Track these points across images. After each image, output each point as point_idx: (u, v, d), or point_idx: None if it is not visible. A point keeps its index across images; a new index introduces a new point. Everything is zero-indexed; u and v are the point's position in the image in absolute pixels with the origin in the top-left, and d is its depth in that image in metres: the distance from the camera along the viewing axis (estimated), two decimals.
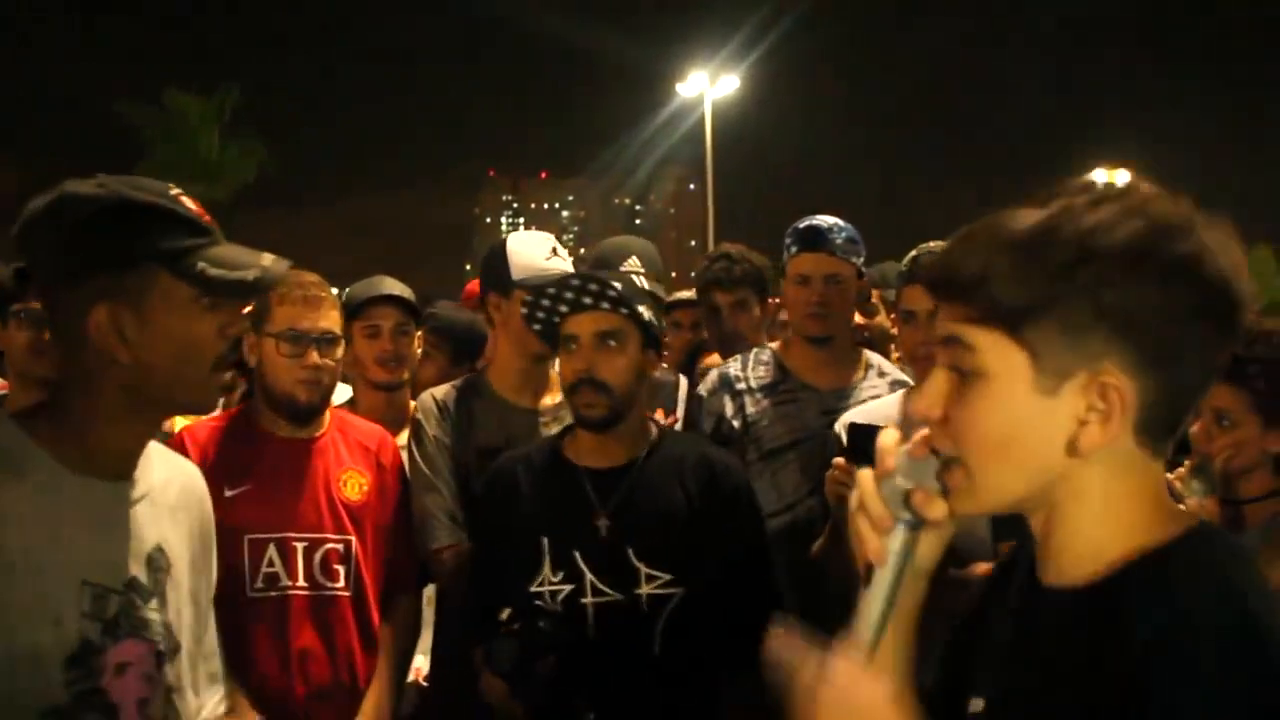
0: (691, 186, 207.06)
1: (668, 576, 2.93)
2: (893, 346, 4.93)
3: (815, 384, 3.90)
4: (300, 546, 3.24)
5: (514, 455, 3.25)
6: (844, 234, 3.88)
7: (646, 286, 4.07)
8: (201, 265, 1.94)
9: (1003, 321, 1.33)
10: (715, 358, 4.81)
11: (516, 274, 3.70)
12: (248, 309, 2.97)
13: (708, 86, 36.57)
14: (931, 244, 3.78)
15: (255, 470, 3.25)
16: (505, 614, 2.82)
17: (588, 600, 2.92)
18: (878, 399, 3.79)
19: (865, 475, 1.45)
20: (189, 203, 2.02)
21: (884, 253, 5.40)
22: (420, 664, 3.72)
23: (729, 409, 3.90)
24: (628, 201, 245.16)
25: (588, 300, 2.94)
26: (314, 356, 3.29)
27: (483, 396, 3.66)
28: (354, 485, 3.38)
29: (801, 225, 3.94)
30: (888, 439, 1.46)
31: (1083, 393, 1.31)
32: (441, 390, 3.77)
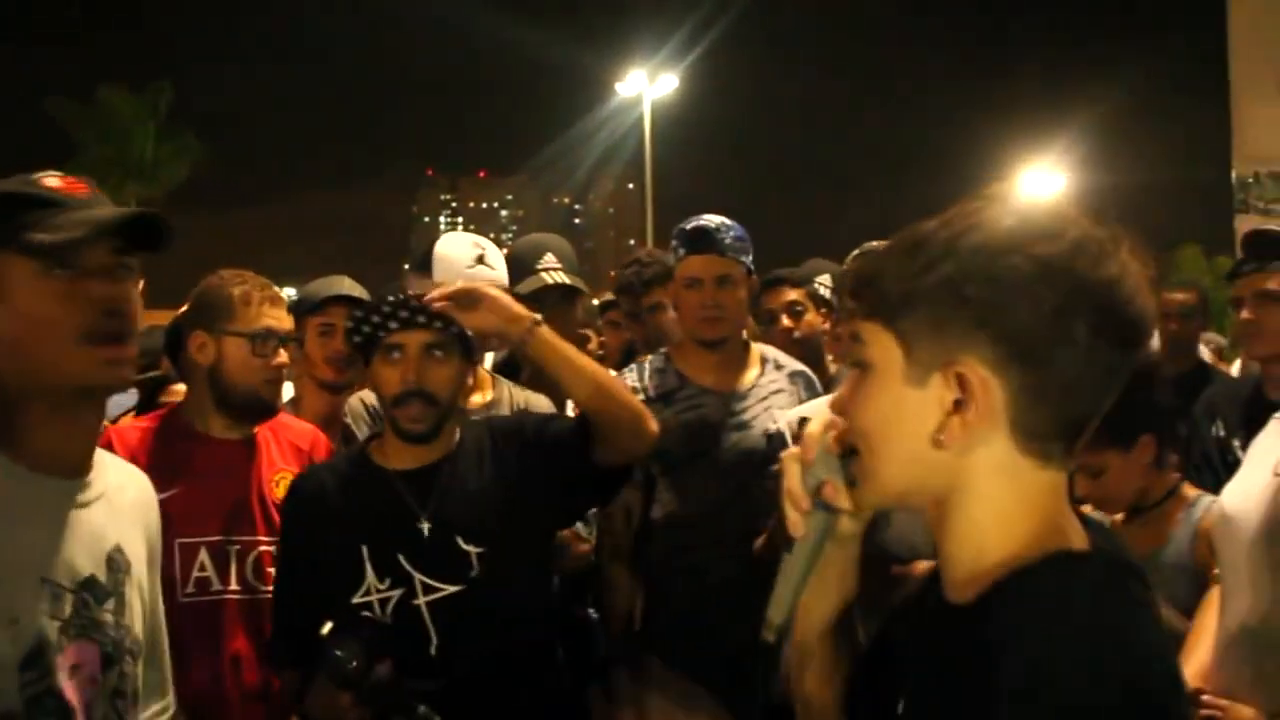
0: (631, 186, 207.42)
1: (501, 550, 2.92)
2: (827, 343, 4.98)
3: (714, 387, 3.84)
4: (233, 550, 3.19)
5: (319, 467, 3.22)
6: (732, 233, 3.83)
7: (565, 280, 4.07)
8: (33, 235, 1.86)
9: (882, 315, 1.38)
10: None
11: (437, 277, 3.69)
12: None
13: (646, 86, 36.62)
14: (874, 243, 3.79)
15: (186, 472, 3.17)
16: (327, 629, 2.71)
17: (420, 601, 2.87)
18: (781, 393, 3.82)
19: (790, 458, 1.53)
20: (52, 181, 1.94)
21: (827, 254, 5.39)
22: None
23: None
24: (567, 201, 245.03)
25: (421, 319, 2.91)
26: (281, 356, 3.28)
27: None
28: (285, 486, 3.30)
29: (688, 227, 3.88)
30: (813, 428, 1.52)
31: (947, 385, 1.33)
32: (371, 393, 3.75)
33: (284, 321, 3.33)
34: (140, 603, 2.07)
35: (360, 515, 2.96)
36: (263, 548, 3.24)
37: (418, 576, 2.88)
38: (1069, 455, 1.38)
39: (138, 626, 2.05)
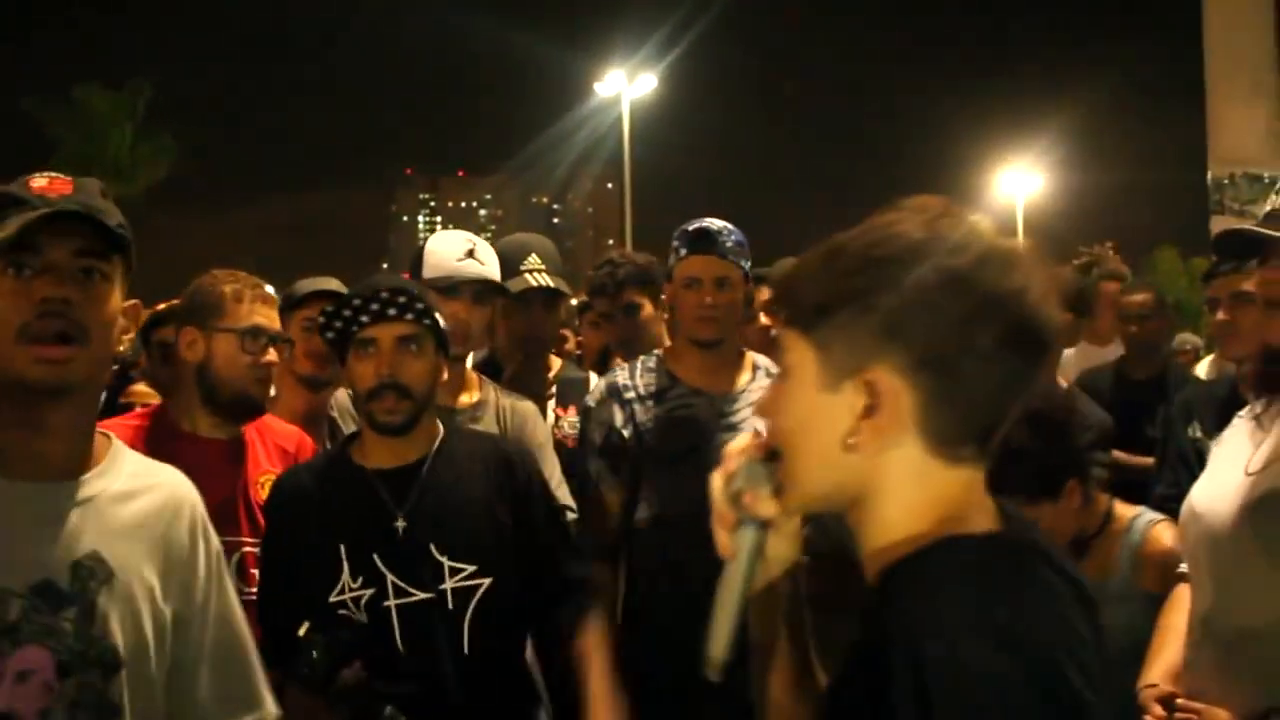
0: (610, 186, 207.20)
1: (472, 568, 2.93)
2: None
3: (704, 389, 3.82)
4: None
5: (299, 466, 3.23)
6: (733, 237, 3.82)
7: (549, 283, 4.07)
8: None
9: (799, 322, 1.43)
10: (620, 360, 4.83)
11: (427, 273, 3.69)
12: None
13: (625, 86, 36.58)
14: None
15: None
16: (304, 628, 2.74)
17: (391, 603, 2.88)
18: None
19: (715, 478, 1.56)
20: (38, 182, 1.97)
21: (797, 249, 5.41)
22: None
23: (618, 418, 3.79)
24: (546, 201, 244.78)
25: (392, 312, 2.91)
26: (272, 355, 3.29)
27: None
28: (270, 487, 3.32)
29: (690, 228, 3.87)
30: (736, 443, 1.56)
31: (857, 390, 1.38)
32: None
33: (274, 321, 3.33)
34: (129, 614, 2.01)
35: (338, 513, 2.96)
36: (247, 548, 3.23)
37: (390, 577, 2.89)
38: (981, 454, 1.42)
39: (117, 638, 1.98)
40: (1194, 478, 3.73)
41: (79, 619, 1.94)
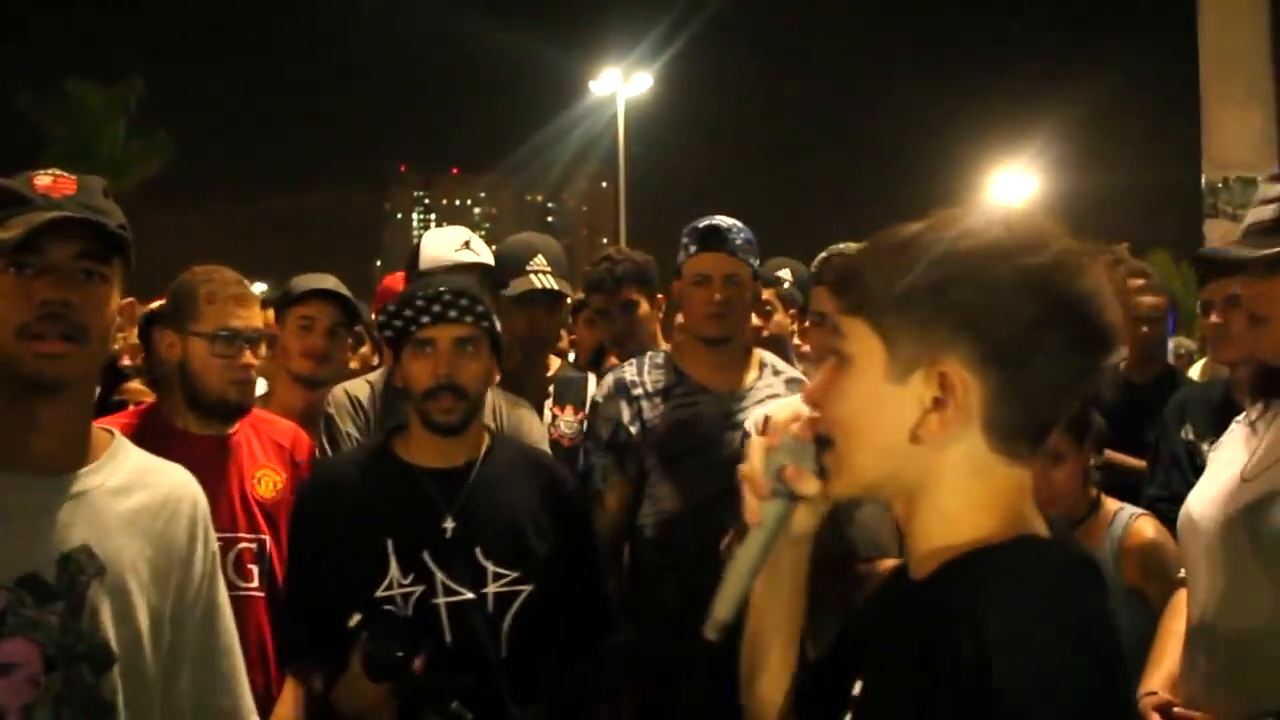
0: (604, 185, 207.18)
1: (514, 574, 2.97)
2: (793, 344, 5.00)
3: (712, 386, 3.85)
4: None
5: (336, 459, 3.26)
6: (742, 235, 3.86)
7: (554, 286, 4.08)
8: None
9: (866, 311, 1.44)
10: (614, 358, 4.83)
11: (424, 265, 3.71)
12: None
13: (621, 85, 36.59)
14: (841, 245, 3.81)
15: None
16: (355, 620, 2.77)
17: (439, 600, 2.91)
18: (776, 398, 3.80)
19: (756, 443, 1.59)
20: (42, 180, 1.99)
21: (802, 254, 5.39)
22: None
23: (625, 414, 3.83)
24: (540, 199, 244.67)
25: (453, 314, 2.94)
26: (247, 356, 3.26)
27: (399, 392, 3.63)
28: (268, 483, 3.35)
29: (700, 225, 3.90)
30: (780, 414, 1.59)
31: (927, 383, 1.39)
32: (355, 385, 3.76)
33: (252, 320, 3.30)
34: (122, 609, 2.01)
35: (385, 508, 2.98)
36: (243, 544, 3.25)
37: (439, 576, 2.92)
38: (1034, 454, 1.44)
39: (109, 634, 1.98)
40: (1186, 479, 3.75)
41: (66, 613, 1.93)
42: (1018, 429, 1.41)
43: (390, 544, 2.93)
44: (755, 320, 4.81)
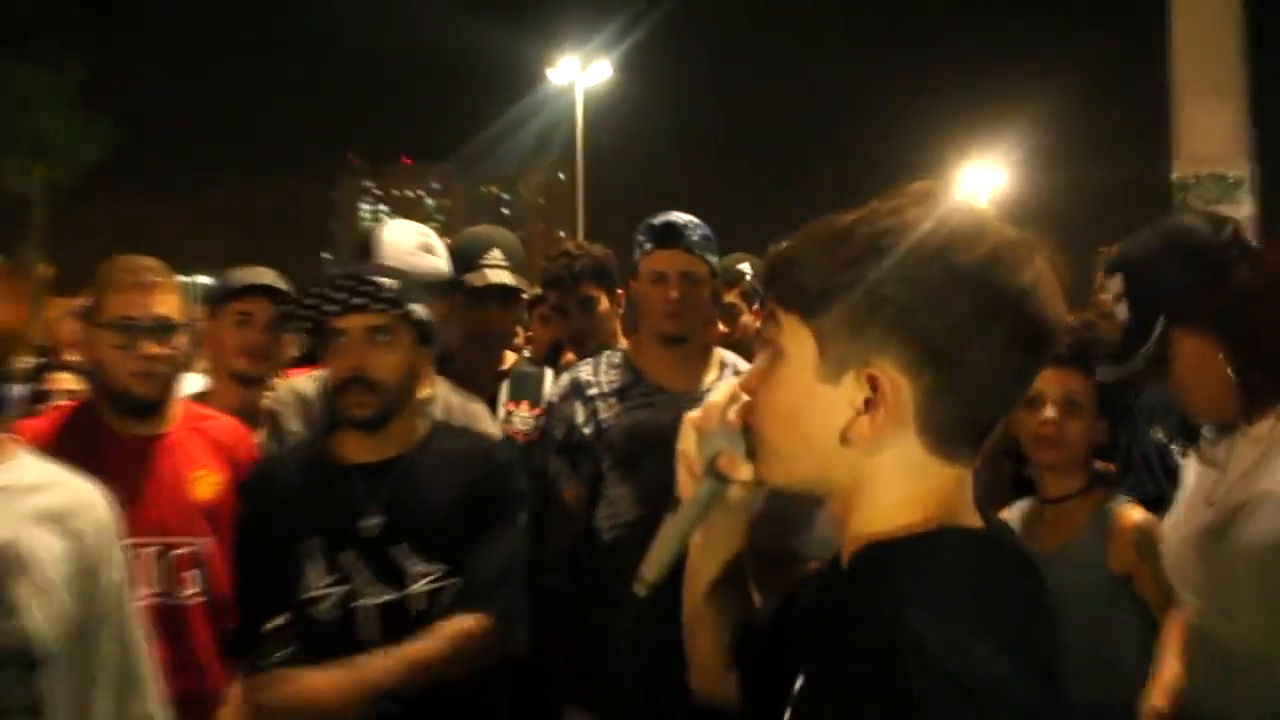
0: (562, 176, 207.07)
1: (441, 569, 2.93)
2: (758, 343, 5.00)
3: (670, 386, 3.84)
4: (147, 551, 3.14)
5: (273, 455, 3.22)
6: (699, 231, 3.85)
7: (509, 281, 4.06)
8: None
9: (799, 306, 1.43)
10: (571, 355, 4.83)
11: (385, 261, 3.68)
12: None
13: (579, 73, 36.59)
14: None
15: (96, 470, 3.07)
16: (277, 623, 2.76)
17: (360, 603, 2.89)
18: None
19: (689, 424, 1.64)
20: None
21: (756, 243, 5.40)
22: None
23: (580, 415, 3.82)
24: (495, 190, 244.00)
25: (358, 302, 2.90)
26: (148, 346, 3.20)
27: None
28: (207, 484, 3.30)
29: (656, 221, 3.89)
30: (716, 397, 1.61)
31: (859, 384, 1.38)
32: (303, 381, 3.72)
33: (154, 308, 3.22)
34: (48, 605, 2.00)
35: (313, 506, 2.96)
36: (180, 550, 3.20)
37: (360, 575, 2.89)
38: (975, 453, 1.43)
39: (35, 631, 1.98)
40: (1157, 482, 3.79)
41: None
42: (955, 431, 1.40)
43: (314, 544, 2.90)
44: (721, 326, 4.81)
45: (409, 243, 3.74)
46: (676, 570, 1.66)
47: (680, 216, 3.87)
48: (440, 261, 3.74)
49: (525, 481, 3.32)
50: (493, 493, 3.10)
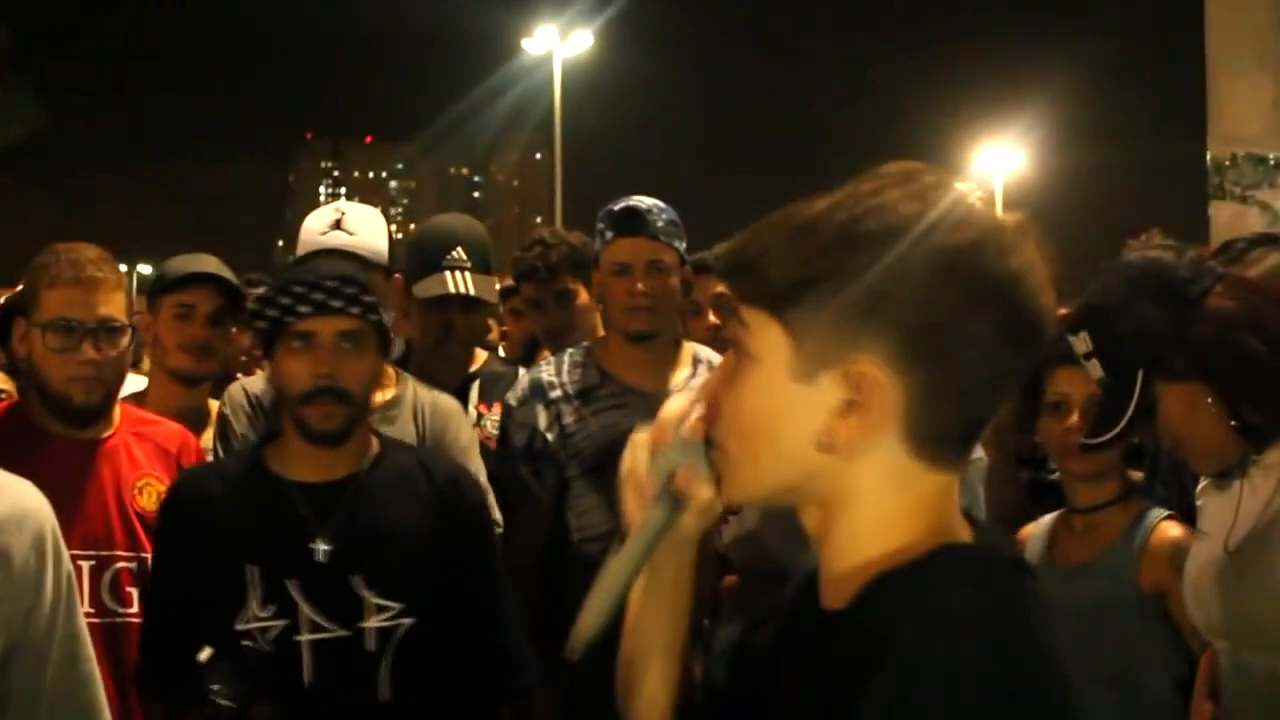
0: (538, 156, 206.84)
1: (398, 606, 2.88)
2: None
3: (639, 386, 3.82)
4: (86, 565, 3.12)
5: (204, 468, 3.17)
6: (665, 215, 3.83)
7: (470, 290, 4.02)
8: None
9: (768, 301, 1.39)
10: (549, 353, 4.82)
11: (299, 249, 3.67)
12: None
13: (557, 44, 36.54)
14: None
15: (29, 477, 3.10)
16: (205, 655, 2.66)
17: (303, 638, 2.83)
18: None
19: (640, 440, 1.59)
20: None
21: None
22: None
23: (542, 420, 3.80)
24: (465, 172, 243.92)
25: (337, 304, 2.84)
26: (89, 351, 3.15)
27: None
28: (150, 493, 3.28)
29: (615, 208, 3.86)
30: (670, 409, 1.57)
31: (839, 384, 1.35)
32: (256, 382, 3.70)
33: (97, 308, 3.18)
34: None
35: (249, 530, 2.90)
36: (121, 564, 3.20)
37: (304, 609, 2.84)
38: (961, 458, 1.42)
39: None
40: (1187, 491, 3.81)
41: None
42: (942, 432, 1.38)
43: (251, 571, 2.85)
44: (712, 318, 4.81)
45: (320, 223, 3.72)
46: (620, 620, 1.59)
47: (643, 201, 3.85)
48: (355, 236, 3.69)
49: (493, 510, 3.31)
50: (465, 528, 3.07)
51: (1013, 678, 1.24)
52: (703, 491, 1.52)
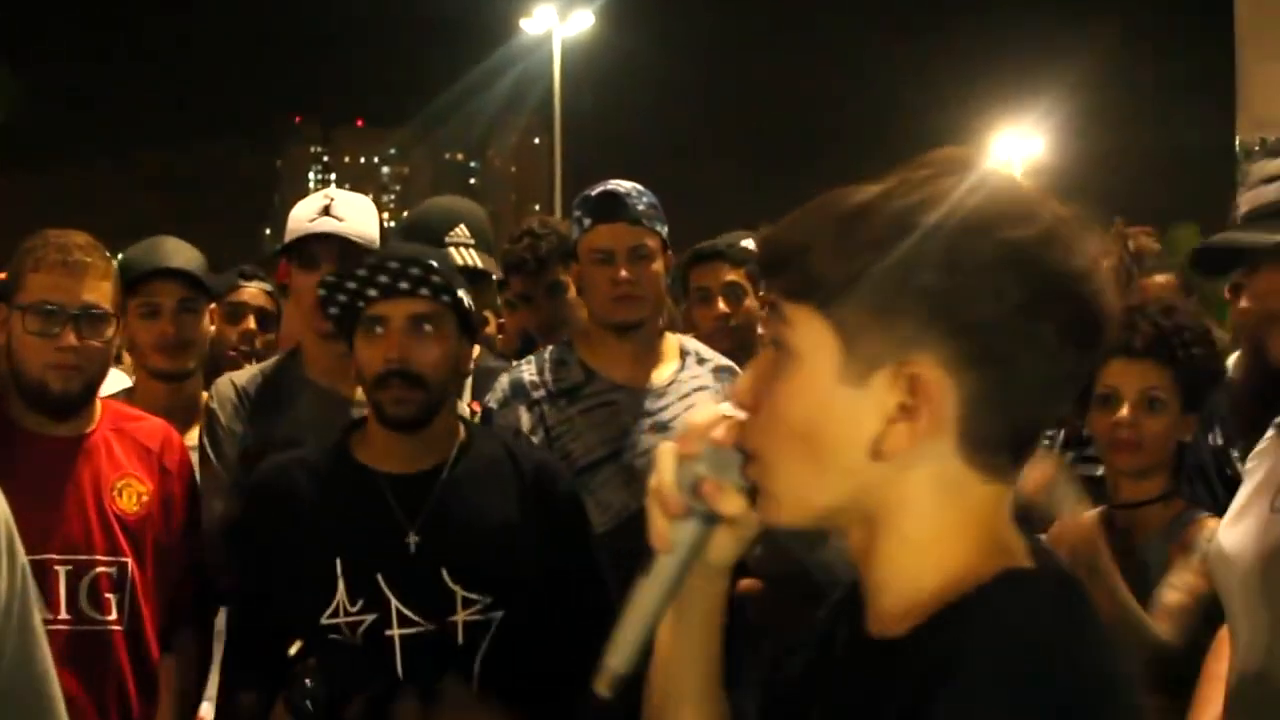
0: (537, 141, 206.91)
1: (487, 600, 2.90)
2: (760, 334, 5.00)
3: (628, 382, 3.80)
4: (62, 571, 3.12)
5: (288, 458, 3.15)
6: (645, 199, 3.79)
7: (477, 263, 4.02)
8: None
9: (815, 296, 1.35)
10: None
11: (287, 237, 3.67)
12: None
13: (557, 23, 36.51)
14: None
15: (4, 475, 3.10)
16: (295, 649, 2.73)
17: (394, 632, 2.86)
18: (704, 391, 3.79)
19: (666, 451, 1.50)
20: None
21: (758, 223, 5.36)
22: (206, 712, 3.61)
23: (525, 421, 3.75)
24: (461, 158, 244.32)
25: (404, 286, 2.86)
26: (70, 337, 3.14)
27: (294, 381, 3.61)
28: (131, 495, 3.27)
29: (593, 193, 3.82)
30: (698, 417, 1.51)
31: (892, 386, 1.32)
32: (244, 374, 3.71)
33: (85, 294, 3.17)
34: None
35: (338, 521, 2.93)
36: (101, 569, 3.18)
37: (394, 603, 2.87)
38: (1016, 468, 1.38)
39: None
40: (1212, 491, 3.78)
41: None
42: (999, 439, 1.34)
43: (340, 563, 2.88)
44: (722, 306, 4.79)
45: (308, 209, 3.71)
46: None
47: (621, 184, 3.82)
48: (344, 223, 3.67)
49: (580, 498, 3.28)
50: (559, 520, 3.08)
51: (1078, 711, 1.22)
52: (733, 505, 1.46)
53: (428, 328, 2.89)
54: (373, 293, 2.87)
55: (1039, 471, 3.19)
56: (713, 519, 1.47)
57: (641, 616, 1.47)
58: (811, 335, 1.35)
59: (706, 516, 1.47)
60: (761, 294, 3.46)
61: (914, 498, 1.35)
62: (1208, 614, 3.12)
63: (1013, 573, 1.34)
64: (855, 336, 1.33)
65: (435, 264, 2.90)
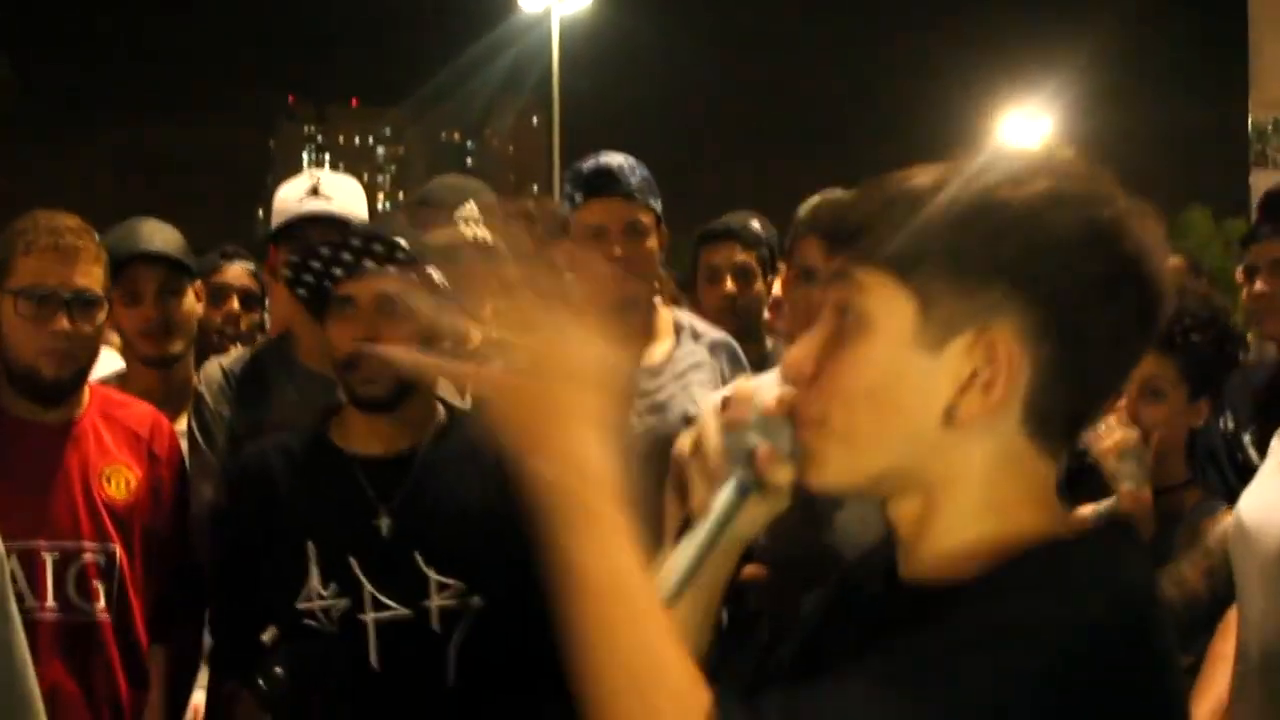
0: (535, 121, 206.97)
1: (462, 585, 2.90)
2: (765, 317, 4.99)
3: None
4: (49, 559, 3.11)
5: (268, 444, 3.16)
6: (638, 172, 3.74)
7: (486, 238, 4.02)
8: None
9: (892, 264, 1.37)
10: None
11: (274, 220, 3.66)
12: None
13: (555, 1, 36.48)
14: (836, 190, 3.76)
15: None
16: (269, 635, 2.75)
17: (367, 616, 2.86)
18: (700, 368, 3.76)
19: (710, 418, 1.52)
20: None
21: (775, 212, 5.36)
22: (199, 701, 3.62)
23: None
24: (458, 137, 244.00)
25: (369, 263, 2.85)
26: (63, 322, 3.13)
27: (283, 365, 3.61)
28: (120, 481, 3.27)
29: (584, 167, 3.78)
30: (745, 387, 1.52)
31: (968, 354, 1.34)
32: (232, 357, 3.72)
33: (78, 279, 3.16)
34: None
35: (310, 505, 2.94)
36: (87, 557, 3.17)
37: (367, 587, 2.87)
38: (1066, 447, 1.42)
39: None
40: (1223, 476, 3.78)
41: None
42: (1060, 415, 1.38)
43: (313, 547, 2.88)
44: (730, 285, 4.77)
45: (296, 189, 3.71)
46: None
47: (614, 157, 3.78)
48: (332, 203, 3.67)
49: None
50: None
51: (1124, 665, 1.25)
52: (783, 474, 1.46)
53: (398, 305, 2.85)
54: (339, 272, 2.87)
55: (1120, 434, 3.23)
56: (749, 488, 1.47)
57: (679, 576, 1.46)
58: (886, 301, 1.37)
59: (748, 484, 1.47)
60: (801, 267, 3.40)
61: (977, 467, 1.38)
62: (1195, 616, 3.14)
63: (1064, 539, 1.37)
64: (934, 303, 1.35)
65: (401, 238, 2.88)
